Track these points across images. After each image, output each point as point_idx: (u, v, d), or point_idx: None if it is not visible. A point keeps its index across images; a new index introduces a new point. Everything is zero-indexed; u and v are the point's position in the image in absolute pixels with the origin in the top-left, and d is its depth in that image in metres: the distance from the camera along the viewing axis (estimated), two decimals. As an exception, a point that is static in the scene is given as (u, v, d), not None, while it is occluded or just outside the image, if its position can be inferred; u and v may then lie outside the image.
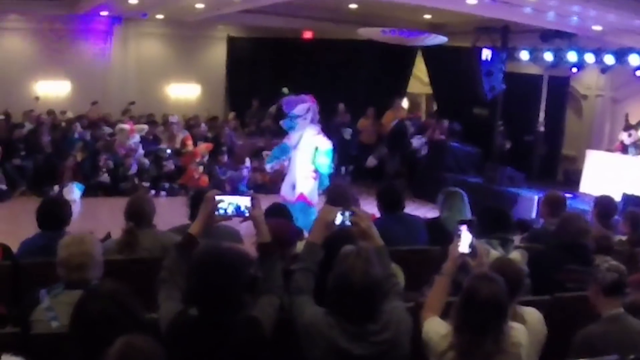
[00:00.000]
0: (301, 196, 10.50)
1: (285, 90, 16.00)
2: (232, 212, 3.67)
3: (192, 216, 5.20)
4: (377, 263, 3.44)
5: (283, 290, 3.61)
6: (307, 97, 10.78)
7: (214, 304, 3.25)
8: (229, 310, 3.25)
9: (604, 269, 4.15)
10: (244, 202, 3.68)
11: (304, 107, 10.60)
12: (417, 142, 16.11)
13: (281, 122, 11.09)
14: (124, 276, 4.33)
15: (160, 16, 17.78)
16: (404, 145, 16.20)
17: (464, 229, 3.96)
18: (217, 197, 3.68)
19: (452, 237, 3.99)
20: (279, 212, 5.42)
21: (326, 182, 10.68)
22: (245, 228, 3.96)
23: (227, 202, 3.67)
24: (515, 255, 4.97)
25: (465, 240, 3.94)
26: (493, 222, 5.21)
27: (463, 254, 3.92)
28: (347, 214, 3.74)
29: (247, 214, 3.69)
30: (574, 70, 14.07)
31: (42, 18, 16.77)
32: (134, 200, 5.58)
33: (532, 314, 4.01)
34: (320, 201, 9.74)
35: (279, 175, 12.12)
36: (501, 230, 5.17)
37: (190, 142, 15.12)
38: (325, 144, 10.65)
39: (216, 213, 3.69)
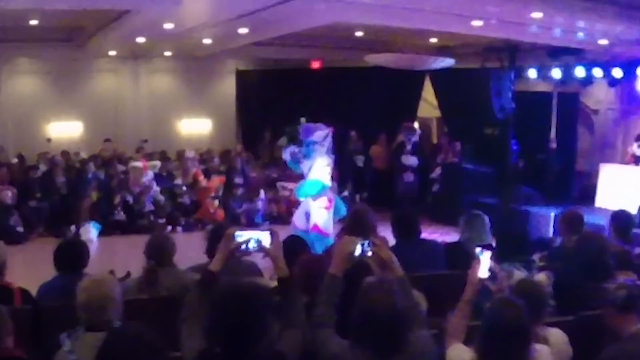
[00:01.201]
0: (315, 227, 10.48)
1: (303, 120, 16.04)
2: (252, 247, 3.66)
3: (210, 251, 5.19)
4: (400, 294, 3.42)
5: (305, 324, 3.59)
6: (324, 125, 10.82)
7: (237, 341, 3.23)
8: (253, 346, 3.23)
9: (612, 290, 4.11)
10: (263, 237, 3.66)
11: (322, 133, 10.64)
12: (408, 159, 16.02)
13: (297, 150, 11.03)
14: (145, 315, 4.34)
15: (168, 53, 17.93)
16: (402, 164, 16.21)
17: (483, 253, 3.93)
18: (237, 233, 3.67)
19: (472, 259, 3.96)
20: (297, 244, 5.40)
21: (343, 211, 10.67)
22: (265, 261, 3.94)
23: (247, 238, 3.65)
24: (542, 277, 4.93)
25: (484, 265, 3.91)
26: (514, 245, 5.19)
27: (482, 279, 3.89)
28: (366, 244, 3.70)
29: (266, 249, 3.67)
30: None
31: (52, 60, 16.94)
32: (155, 238, 5.58)
33: (557, 335, 3.97)
34: (337, 228, 9.69)
35: (295, 206, 12.11)
36: (522, 253, 5.15)
37: (201, 177, 15.15)
38: (326, 179, 10.66)
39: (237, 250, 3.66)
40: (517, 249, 5.17)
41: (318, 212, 10.56)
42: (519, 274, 4.79)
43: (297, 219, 10.83)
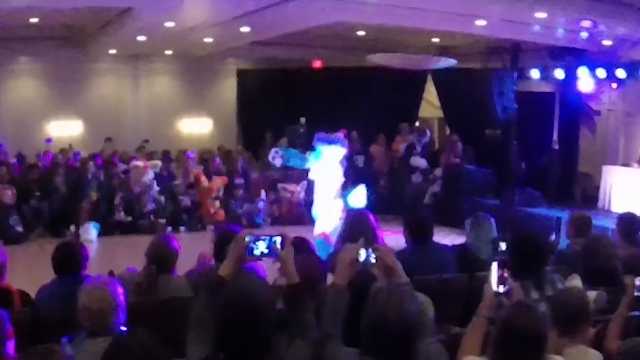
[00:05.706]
0: (323, 234, 10.37)
1: (302, 120, 15.97)
2: (263, 252, 3.55)
3: (217, 255, 5.08)
4: (411, 299, 3.32)
5: (315, 335, 3.47)
6: (341, 135, 10.78)
7: (241, 350, 3.15)
8: (258, 355, 3.15)
9: None
10: (275, 242, 3.57)
11: (337, 146, 10.63)
12: (417, 161, 15.98)
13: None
14: (145, 319, 4.26)
15: (169, 52, 17.85)
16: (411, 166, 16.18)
17: (498, 267, 3.83)
18: (247, 238, 3.57)
19: (479, 262, 3.85)
20: (299, 247, 5.31)
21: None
22: (274, 266, 3.81)
23: (258, 242, 3.54)
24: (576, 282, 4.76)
25: (500, 279, 3.81)
26: (530, 260, 4.83)
27: (498, 293, 3.79)
28: (370, 250, 3.60)
29: (279, 254, 3.56)
30: (589, 86, 13.91)
31: (52, 59, 16.87)
32: (159, 242, 5.42)
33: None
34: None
35: (296, 207, 12.04)
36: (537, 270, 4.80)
37: (203, 178, 15.06)
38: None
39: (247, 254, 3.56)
40: (532, 267, 4.83)
41: (332, 222, 10.44)
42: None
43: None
